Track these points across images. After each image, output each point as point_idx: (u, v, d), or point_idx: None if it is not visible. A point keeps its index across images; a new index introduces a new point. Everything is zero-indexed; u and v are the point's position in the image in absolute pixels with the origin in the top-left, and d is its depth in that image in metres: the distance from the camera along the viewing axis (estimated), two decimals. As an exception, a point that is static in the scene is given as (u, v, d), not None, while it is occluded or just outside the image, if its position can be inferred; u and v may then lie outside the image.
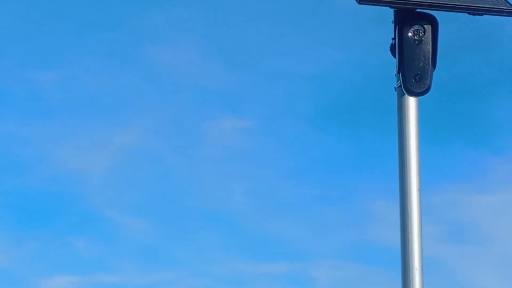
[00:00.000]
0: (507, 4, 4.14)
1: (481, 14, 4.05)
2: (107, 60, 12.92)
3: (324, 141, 12.75)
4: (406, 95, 4.18)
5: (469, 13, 4.06)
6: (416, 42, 4.13)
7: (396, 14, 4.21)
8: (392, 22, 4.22)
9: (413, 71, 4.13)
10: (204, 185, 12.69)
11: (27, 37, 12.85)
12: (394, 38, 4.22)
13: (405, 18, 4.15)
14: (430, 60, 4.14)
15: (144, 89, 12.98)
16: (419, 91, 4.14)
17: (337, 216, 12.32)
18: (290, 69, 12.94)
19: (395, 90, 4.24)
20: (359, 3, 4.01)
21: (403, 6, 4.08)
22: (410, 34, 4.14)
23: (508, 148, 12.14)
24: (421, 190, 4.13)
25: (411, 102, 4.17)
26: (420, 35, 4.13)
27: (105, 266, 12.21)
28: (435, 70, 4.18)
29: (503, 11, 4.09)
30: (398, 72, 4.20)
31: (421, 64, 4.13)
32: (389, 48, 4.26)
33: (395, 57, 4.23)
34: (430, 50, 4.14)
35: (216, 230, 12.38)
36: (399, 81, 4.19)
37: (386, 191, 12.00)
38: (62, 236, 12.36)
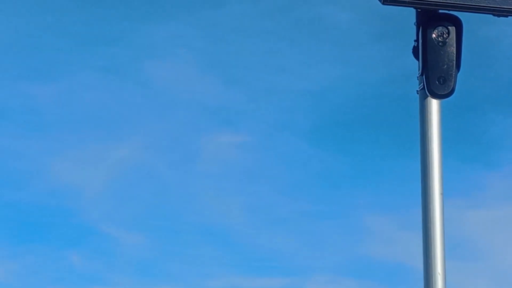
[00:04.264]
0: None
1: (506, 16, 4.02)
2: (104, 74, 12.90)
3: (321, 156, 12.76)
4: (428, 98, 4.14)
5: (494, 15, 4.03)
6: (440, 44, 4.09)
7: (418, 15, 4.16)
8: (414, 23, 4.19)
9: (437, 73, 4.08)
10: (200, 200, 12.66)
11: (24, 51, 12.82)
12: (416, 40, 4.19)
13: (428, 19, 4.11)
14: (454, 62, 4.11)
15: (141, 104, 12.96)
16: (443, 93, 4.11)
17: (332, 231, 12.31)
18: (287, 85, 12.95)
19: (417, 93, 4.20)
20: (383, 3, 3.97)
21: (427, 6, 4.03)
22: (433, 35, 4.11)
23: (503, 164, 12.17)
24: (443, 194, 4.10)
25: (434, 105, 4.13)
26: (444, 36, 4.09)
27: (101, 280, 12.15)
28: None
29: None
30: (421, 75, 4.15)
31: (445, 66, 4.09)
32: (411, 50, 4.23)
33: (417, 59, 4.18)
34: (454, 52, 4.11)
35: (212, 244, 12.35)
36: (422, 84, 4.15)
37: (381, 206, 12.01)
38: (57, 250, 12.30)
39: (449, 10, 4.10)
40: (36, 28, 12.85)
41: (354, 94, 12.81)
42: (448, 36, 4.12)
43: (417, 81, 4.23)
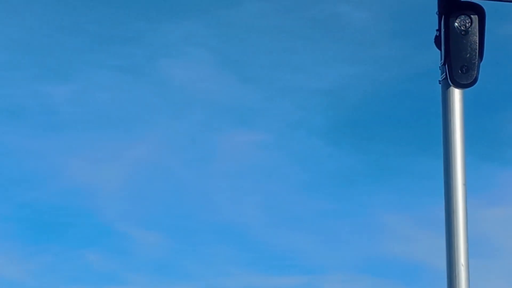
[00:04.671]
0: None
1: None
2: (120, 74, 12.91)
3: (337, 155, 12.73)
4: (451, 87, 4.09)
5: None
6: (462, 33, 4.05)
7: (440, 4, 4.13)
8: (436, 13, 4.15)
9: (459, 63, 4.04)
10: (216, 199, 12.65)
11: (40, 51, 12.85)
12: (438, 30, 4.15)
13: (451, 8, 4.08)
14: (477, 51, 4.07)
15: (157, 103, 12.97)
16: (465, 82, 4.07)
17: (349, 230, 12.27)
18: (302, 83, 12.93)
19: (439, 83, 4.15)
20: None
21: None
22: (456, 24, 4.07)
23: (521, 162, 12.11)
24: (466, 185, 4.06)
25: (457, 95, 4.08)
26: (467, 25, 4.05)
27: (118, 279, 12.16)
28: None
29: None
30: (444, 64, 4.11)
31: (468, 55, 4.04)
32: (433, 40, 4.19)
33: (439, 49, 4.14)
34: (477, 41, 4.07)
35: (228, 243, 12.33)
36: (444, 73, 4.11)
37: (398, 204, 11.97)
38: (74, 250, 12.31)
39: (470, -2, 4.07)
40: (52, 28, 12.89)
41: (370, 92, 12.79)
42: (470, 25, 4.07)
43: (439, 71, 4.19)
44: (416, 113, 12.10)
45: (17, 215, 12.53)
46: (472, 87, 4.12)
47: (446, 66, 4.11)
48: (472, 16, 4.09)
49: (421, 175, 11.51)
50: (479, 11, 4.12)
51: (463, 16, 4.08)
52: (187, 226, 12.44)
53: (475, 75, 4.10)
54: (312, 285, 11.95)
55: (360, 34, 12.73)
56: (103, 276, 12.16)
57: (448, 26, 4.08)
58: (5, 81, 12.78)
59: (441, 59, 4.16)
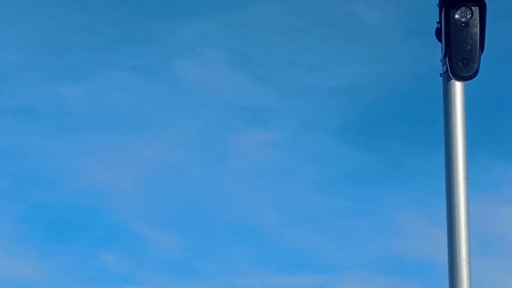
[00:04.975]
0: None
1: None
2: (134, 74, 12.93)
3: (352, 154, 12.69)
4: (452, 80, 4.04)
5: None
6: (463, 25, 3.99)
7: (441, -4, 4.09)
8: (437, 5, 4.10)
9: (460, 55, 3.98)
10: (231, 199, 12.64)
11: (55, 52, 12.90)
12: (439, 22, 4.10)
13: (451, 0, 4.02)
14: (478, 43, 4.01)
15: (171, 103, 12.98)
16: (466, 75, 4.01)
17: (364, 229, 12.24)
18: (317, 82, 12.90)
19: (440, 76, 4.11)
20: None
21: None
22: (456, 16, 4.02)
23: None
24: (468, 179, 4.02)
25: (458, 87, 4.03)
26: (468, 17, 4.00)
27: (133, 279, 12.17)
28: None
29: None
30: (444, 57, 4.06)
31: (469, 47, 3.99)
32: (434, 33, 4.14)
33: (440, 41, 4.09)
34: (478, 33, 4.01)
35: (244, 243, 12.32)
36: (445, 66, 4.05)
37: (413, 203, 11.91)
38: (90, 250, 12.34)
39: (471, -10, 4.00)
40: (66, 29, 12.92)
41: (385, 91, 12.74)
42: (471, 17, 4.02)
43: (441, 64, 4.14)
44: (431, 112, 12.04)
45: (33, 216, 12.59)
46: (473, 79, 4.06)
47: (447, 58, 4.06)
48: (472, 7, 4.04)
49: (436, 173, 11.44)
50: (480, 3, 4.06)
51: (463, 8, 4.02)
52: (202, 226, 12.45)
53: (476, 68, 4.05)
54: (327, 284, 11.92)
55: (375, 32, 12.69)
56: (118, 276, 12.19)
57: (448, 18, 4.03)
58: (20, 82, 12.84)
59: (442, 52, 4.11)
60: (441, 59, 4.13)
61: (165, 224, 12.59)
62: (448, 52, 4.04)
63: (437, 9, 4.11)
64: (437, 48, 4.16)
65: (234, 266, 12.16)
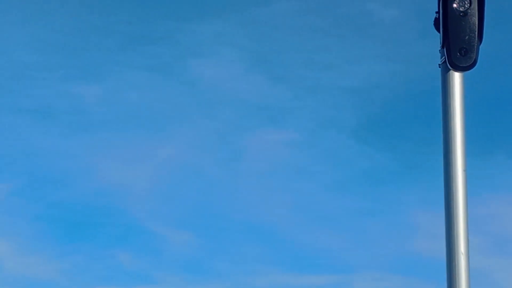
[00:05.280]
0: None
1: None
2: (150, 74, 12.95)
3: (367, 153, 12.63)
4: (451, 71, 3.97)
5: None
6: (461, 14, 3.93)
7: (440, -15, 4.04)
8: None
9: (458, 45, 3.91)
10: (247, 198, 12.62)
11: (71, 52, 12.93)
12: (438, 12, 4.05)
13: (449, -11, 3.99)
14: (476, 33, 3.94)
15: (187, 103, 12.98)
16: (464, 65, 3.94)
17: (380, 228, 12.18)
18: (332, 82, 12.86)
19: (439, 67, 4.04)
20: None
21: None
22: (454, 5, 3.95)
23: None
24: (467, 171, 3.96)
25: (456, 78, 3.96)
26: (466, 6, 3.94)
27: (148, 278, 12.18)
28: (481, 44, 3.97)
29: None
30: (442, 47, 3.99)
31: (467, 37, 3.91)
32: (432, 23, 4.09)
33: (439, 31, 4.05)
34: (476, 23, 3.94)
35: (259, 242, 12.30)
36: (444, 57, 3.99)
37: (429, 202, 11.85)
38: (105, 249, 12.36)
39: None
40: (82, 29, 12.96)
41: (400, 90, 12.68)
42: (470, 6, 3.95)
43: (439, 55, 4.08)
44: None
45: (49, 215, 12.63)
46: (471, 70, 4.00)
47: (445, 49, 4.00)
48: (471, -3, 3.98)
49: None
50: None
51: (461, -3, 3.97)
52: (217, 225, 12.43)
53: (474, 58, 3.97)
54: (342, 284, 11.87)
55: (390, 32, 12.64)
56: (134, 275, 12.21)
57: (446, 7, 3.97)
58: (37, 82, 12.89)
59: (440, 42, 4.06)
60: (439, 50, 4.07)
61: (180, 223, 12.60)
62: (446, 42, 3.98)
63: None
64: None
65: (249, 265, 12.14)
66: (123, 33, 12.92)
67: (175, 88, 12.94)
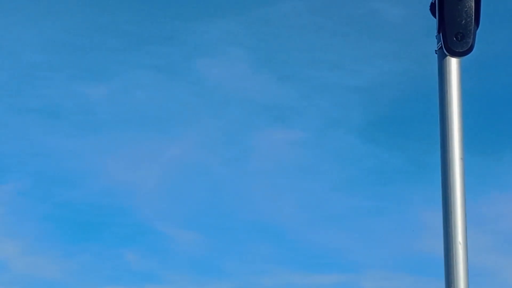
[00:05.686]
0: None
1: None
2: (156, 73, 12.93)
3: (374, 152, 12.58)
4: (447, 57, 3.89)
5: None
6: (457, -2, 3.91)
7: (434, -33, 3.97)
8: None
9: (454, 29, 3.84)
10: (254, 198, 12.58)
11: (78, 51, 12.93)
12: (434, -4, 4.00)
13: (445, -28, 3.92)
14: (473, 17, 3.87)
15: (194, 102, 12.96)
16: (461, 50, 3.86)
17: (387, 227, 12.12)
18: (339, 81, 12.82)
19: (436, 53, 3.96)
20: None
21: None
22: None
23: None
24: (464, 159, 3.90)
25: (453, 64, 3.88)
26: (462, -10, 3.91)
27: (156, 278, 12.15)
28: (478, 29, 3.91)
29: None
30: (439, 33, 3.92)
31: (463, 21, 3.84)
32: (428, 8, 4.04)
33: (435, 16, 3.99)
34: (473, 7, 3.87)
35: (266, 242, 12.26)
36: (440, 42, 3.92)
37: (437, 202, 11.78)
38: (113, 249, 12.35)
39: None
40: (88, 28, 12.96)
41: (408, 89, 12.63)
42: (466, -10, 3.91)
43: (436, 41, 4.03)
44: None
45: (56, 215, 12.62)
46: (468, 55, 3.94)
47: (441, 34, 3.94)
48: (467, -21, 3.92)
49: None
50: None
51: (457, -21, 3.90)
52: (225, 225, 12.40)
53: (471, 43, 3.89)
54: (350, 283, 11.82)
55: (397, 30, 12.59)
56: (141, 274, 12.18)
57: (442, -9, 3.92)
58: (43, 81, 12.89)
59: (436, 28, 4.00)
60: (435, 36, 4.02)
61: (188, 223, 12.57)
62: (442, 27, 3.92)
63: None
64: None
65: (256, 265, 12.10)
66: (130, 33, 12.91)
67: (182, 88, 12.93)
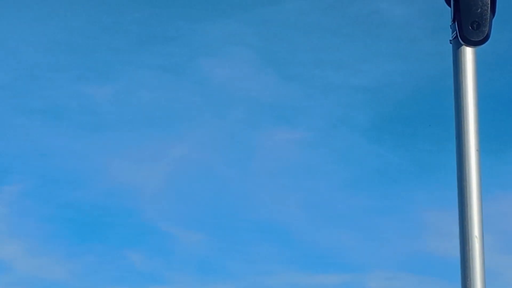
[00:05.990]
0: None
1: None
2: (161, 73, 12.91)
3: (379, 152, 12.55)
4: (462, 47, 3.82)
5: None
6: (473, -14, 3.85)
7: (450, -44, 3.88)
8: None
9: (470, 18, 3.76)
10: (258, 197, 12.55)
11: (82, 51, 12.91)
12: (448, -15, 3.94)
13: (460, -40, 3.83)
14: (489, 5, 3.79)
15: (198, 102, 12.93)
16: (477, 39, 3.78)
17: (392, 227, 12.09)
18: (343, 80, 12.79)
19: (450, 43, 3.87)
20: None
21: None
22: None
23: None
24: (480, 151, 3.85)
25: (468, 54, 3.81)
26: (478, -22, 3.85)
27: (161, 278, 12.12)
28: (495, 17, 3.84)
29: None
30: (453, 22, 3.84)
31: (479, 10, 3.75)
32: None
33: (449, 5, 3.93)
34: None
35: (271, 242, 12.23)
36: (455, 32, 3.84)
37: (441, 201, 11.75)
38: (117, 249, 12.31)
39: None
40: (93, 28, 12.93)
41: (412, 89, 12.60)
42: (482, -22, 3.85)
43: (450, 31, 3.97)
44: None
45: (61, 215, 12.59)
46: (483, 44, 3.88)
47: (456, 23, 3.87)
48: (483, -33, 3.86)
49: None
50: None
51: (473, -33, 3.84)
52: (229, 225, 12.37)
53: (487, 32, 3.80)
54: (354, 283, 11.79)
55: (401, 30, 12.57)
56: (146, 275, 12.15)
57: (457, -21, 3.86)
58: (47, 82, 12.86)
59: (451, 17, 3.94)
60: (450, 25, 3.95)
61: (192, 223, 12.54)
62: (457, 16, 3.84)
63: None
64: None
65: (261, 265, 12.07)
66: (135, 33, 12.89)
67: (186, 88, 12.90)
